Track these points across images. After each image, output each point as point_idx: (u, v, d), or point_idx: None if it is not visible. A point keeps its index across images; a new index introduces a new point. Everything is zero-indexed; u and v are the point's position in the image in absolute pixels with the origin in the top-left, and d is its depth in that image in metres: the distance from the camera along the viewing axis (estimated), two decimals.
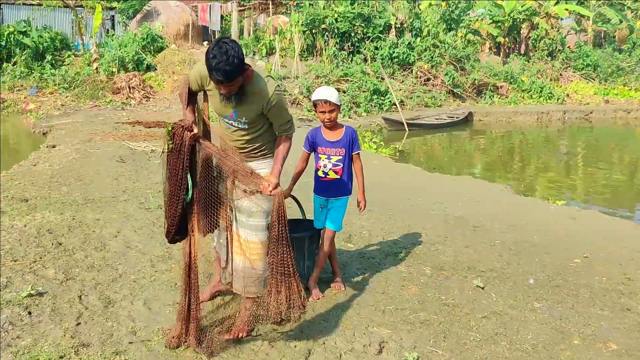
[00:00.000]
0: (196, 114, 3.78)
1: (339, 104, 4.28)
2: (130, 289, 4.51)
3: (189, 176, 3.50)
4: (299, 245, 4.44)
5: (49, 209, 6.52)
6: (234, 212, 3.77)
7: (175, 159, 3.46)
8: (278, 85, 3.64)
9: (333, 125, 4.36)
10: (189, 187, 3.51)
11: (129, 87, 19.04)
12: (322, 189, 4.50)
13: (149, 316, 4.08)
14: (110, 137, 11.93)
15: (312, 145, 4.46)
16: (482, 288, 4.66)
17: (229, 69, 3.28)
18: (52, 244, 5.38)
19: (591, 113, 21.45)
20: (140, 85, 19.21)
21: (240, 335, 3.74)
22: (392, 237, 5.88)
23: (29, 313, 4.03)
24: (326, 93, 4.26)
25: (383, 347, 3.73)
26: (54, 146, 11.05)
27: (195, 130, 3.51)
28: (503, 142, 16.69)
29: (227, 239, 3.93)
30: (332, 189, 4.45)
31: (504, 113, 20.28)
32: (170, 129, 3.47)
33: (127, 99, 18.58)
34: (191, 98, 3.75)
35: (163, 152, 3.53)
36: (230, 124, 3.77)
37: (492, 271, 5.08)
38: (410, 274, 4.91)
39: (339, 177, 4.41)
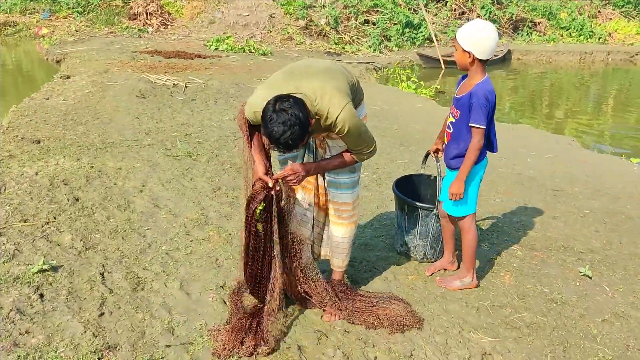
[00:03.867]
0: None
1: (464, 47, 3.22)
2: (162, 265, 3.73)
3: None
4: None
5: (63, 154, 5.70)
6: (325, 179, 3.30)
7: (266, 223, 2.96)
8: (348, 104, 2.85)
9: (469, 75, 3.35)
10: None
11: (146, 13, 17.87)
12: None
13: (188, 305, 3.30)
14: (128, 68, 10.98)
15: None
16: (590, 277, 3.82)
17: (292, 142, 2.68)
18: (68, 200, 4.59)
19: (637, 55, 19.99)
20: (158, 11, 18.03)
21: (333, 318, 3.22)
22: None
23: (41, 296, 3.27)
24: (461, 27, 3.25)
25: None
26: (68, 77, 10.12)
27: (271, 184, 2.90)
28: (548, 84, 15.49)
29: (313, 212, 3.38)
30: (445, 154, 3.55)
31: (544, 52, 18.92)
32: (262, 208, 2.90)
33: (144, 25, 17.45)
34: (253, 129, 3.04)
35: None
36: None
37: (592, 252, 4.22)
38: (498, 256, 4.07)
39: (447, 142, 3.50)
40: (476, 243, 3.57)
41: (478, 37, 3.19)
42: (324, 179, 3.30)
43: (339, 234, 3.34)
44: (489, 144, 3.45)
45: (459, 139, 3.40)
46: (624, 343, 3.13)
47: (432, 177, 4.07)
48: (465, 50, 3.23)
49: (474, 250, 3.56)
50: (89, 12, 18.55)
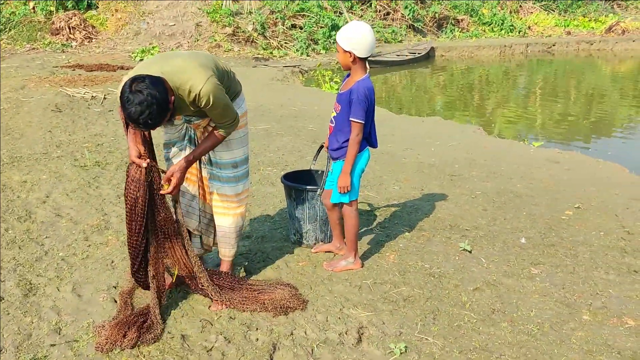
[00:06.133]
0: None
1: (344, 48, 3.45)
2: (57, 271, 3.78)
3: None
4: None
5: None
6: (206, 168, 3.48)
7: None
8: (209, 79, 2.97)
9: (351, 73, 3.59)
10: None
11: (69, 28, 17.56)
12: None
13: (78, 306, 3.37)
14: (46, 83, 10.84)
15: None
16: (470, 252, 4.07)
17: (150, 121, 2.79)
18: None
19: (554, 45, 20.88)
20: (81, 25, 17.74)
21: (220, 308, 3.33)
22: (362, 191, 5.20)
23: None
24: (340, 29, 3.50)
25: (362, 334, 3.12)
26: None
27: (145, 165, 3.02)
28: (468, 79, 16.05)
29: (199, 203, 3.52)
30: (328, 145, 3.78)
31: (466, 48, 19.53)
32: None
33: (67, 40, 17.17)
34: None
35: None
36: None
37: (477, 229, 4.49)
38: (387, 237, 4.28)
39: (329, 135, 3.74)
40: (358, 227, 3.78)
41: (356, 37, 3.43)
42: (206, 170, 3.44)
43: (225, 224, 3.48)
44: (369, 138, 3.67)
45: (340, 132, 3.62)
46: (491, 308, 3.37)
47: (319, 172, 4.26)
48: (346, 51, 3.46)
49: (356, 233, 3.76)
50: (9, 30, 18.09)
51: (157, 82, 2.78)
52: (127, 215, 3.09)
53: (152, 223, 3.13)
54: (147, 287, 3.27)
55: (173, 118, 3.11)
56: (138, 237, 3.08)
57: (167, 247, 3.27)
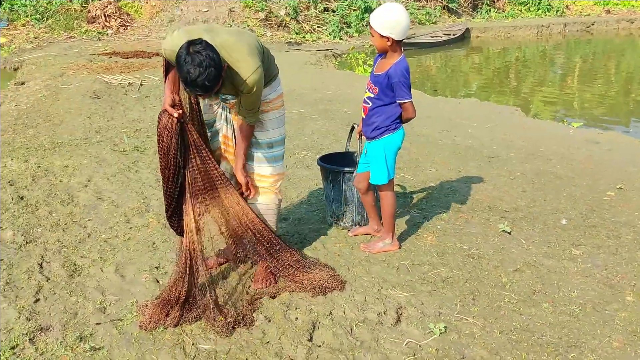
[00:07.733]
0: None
1: (382, 33, 3.39)
2: (100, 252, 3.86)
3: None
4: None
5: (11, 156, 5.79)
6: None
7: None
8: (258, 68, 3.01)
9: (386, 56, 3.55)
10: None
11: (105, 16, 17.80)
12: None
13: (121, 286, 3.45)
14: (84, 71, 11.03)
15: None
16: (509, 233, 4.03)
17: (208, 84, 2.77)
18: (13, 199, 4.69)
19: (593, 25, 20.36)
20: (116, 13, 17.97)
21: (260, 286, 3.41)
22: (398, 174, 5.15)
23: None
24: (374, 14, 3.43)
25: (401, 314, 3.12)
26: (22, 83, 10.15)
27: (176, 115, 3.01)
28: (504, 60, 15.79)
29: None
30: (363, 126, 3.75)
31: (502, 28, 19.20)
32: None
33: (103, 28, 17.41)
34: (170, 68, 3.12)
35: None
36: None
37: (516, 211, 4.44)
38: (425, 219, 4.27)
39: (364, 116, 3.71)
40: (395, 206, 3.77)
41: (393, 21, 3.39)
42: None
43: (264, 201, 3.47)
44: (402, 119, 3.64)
45: (378, 112, 3.60)
46: (531, 289, 3.34)
47: (355, 154, 4.24)
48: (383, 36, 3.42)
49: (393, 213, 3.75)
50: (47, 19, 18.39)
51: (213, 48, 2.81)
52: (160, 162, 3.16)
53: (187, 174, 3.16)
54: (181, 233, 3.28)
55: (220, 91, 3.13)
56: (171, 185, 3.14)
57: (211, 198, 3.26)
